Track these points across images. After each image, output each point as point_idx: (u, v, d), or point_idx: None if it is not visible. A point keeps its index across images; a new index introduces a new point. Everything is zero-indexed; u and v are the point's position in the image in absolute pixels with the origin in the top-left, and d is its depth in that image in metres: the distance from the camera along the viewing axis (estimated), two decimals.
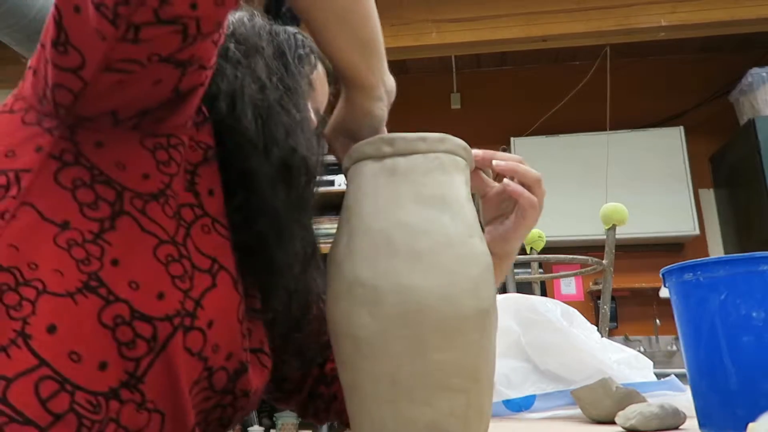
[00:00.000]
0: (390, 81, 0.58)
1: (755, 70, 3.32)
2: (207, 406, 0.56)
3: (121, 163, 0.50)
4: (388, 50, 0.52)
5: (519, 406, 0.81)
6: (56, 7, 0.45)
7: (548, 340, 0.85)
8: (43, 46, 0.49)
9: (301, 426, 3.43)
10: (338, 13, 0.51)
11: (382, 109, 0.57)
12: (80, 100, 0.48)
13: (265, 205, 0.56)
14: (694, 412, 0.62)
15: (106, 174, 0.49)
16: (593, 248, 2.73)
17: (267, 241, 0.56)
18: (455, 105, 3.87)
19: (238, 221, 0.56)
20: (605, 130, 3.52)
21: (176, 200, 0.51)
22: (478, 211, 0.52)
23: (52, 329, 0.46)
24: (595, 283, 3.59)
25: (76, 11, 0.43)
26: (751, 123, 3.25)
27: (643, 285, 3.44)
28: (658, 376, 0.88)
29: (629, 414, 0.64)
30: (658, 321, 3.48)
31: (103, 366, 0.47)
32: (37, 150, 0.49)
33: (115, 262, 0.48)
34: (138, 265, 0.48)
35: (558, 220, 3.40)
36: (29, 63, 0.53)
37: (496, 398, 0.80)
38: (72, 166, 0.49)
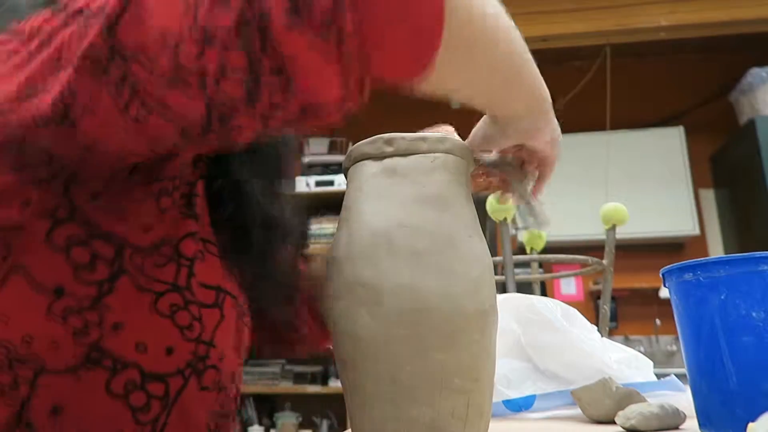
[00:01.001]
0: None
1: (755, 70, 3.32)
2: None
3: (122, 214, 0.45)
4: None
5: (519, 406, 0.81)
6: None
7: (548, 340, 0.85)
8: None
9: (301, 426, 3.43)
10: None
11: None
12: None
13: (257, 211, 0.54)
14: (694, 412, 0.62)
15: (103, 229, 0.44)
16: (593, 248, 2.73)
17: (258, 247, 0.54)
18: (455, 105, 3.86)
19: (226, 233, 0.53)
20: (605, 130, 3.52)
21: (174, 239, 0.47)
22: (478, 211, 0.52)
23: (56, 411, 0.42)
24: (595, 283, 3.59)
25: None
26: (751, 123, 3.25)
27: (643, 285, 3.44)
28: (658, 376, 0.88)
29: (629, 414, 0.64)
30: (658, 321, 3.48)
31: None
32: (25, 204, 0.42)
33: (116, 327, 0.44)
34: (141, 325, 0.45)
35: (558, 220, 3.38)
36: None
37: (496, 398, 0.80)
38: (66, 222, 0.43)
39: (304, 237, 0.65)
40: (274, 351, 0.76)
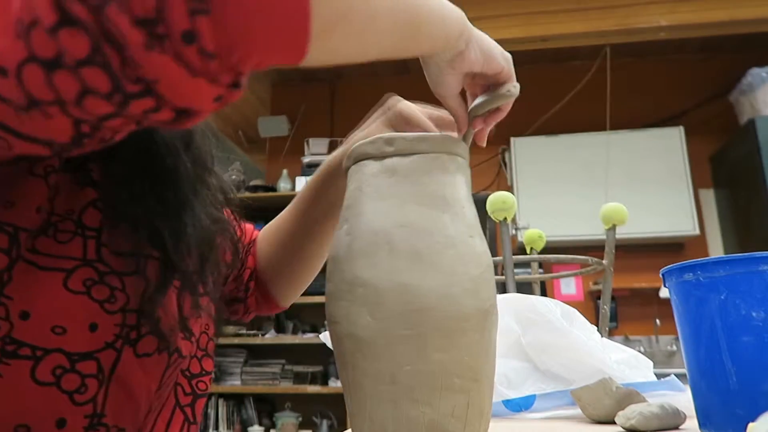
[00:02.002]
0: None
1: (755, 70, 3.32)
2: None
3: (9, 200, 0.43)
4: None
5: (519, 406, 0.81)
6: None
7: (548, 340, 0.85)
8: None
9: (301, 426, 3.44)
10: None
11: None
12: None
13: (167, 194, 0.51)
14: (694, 412, 0.62)
15: None
16: (593, 248, 2.74)
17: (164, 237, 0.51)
18: None
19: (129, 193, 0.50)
20: (605, 130, 3.53)
21: (75, 212, 0.46)
22: (478, 211, 0.52)
23: None
24: (595, 283, 3.59)
25: None
26: (751, 123, 3.26)
27: (643, 285, 3.45)
28: (658, 376, 0.88)
29: (629, 414, 0.64)
30: (658, 321, 3.48)
31: (61, 423, 0.44)
32: None
33: (25, 315, 0.43)
34: (54, 307, 0.44)
35: (558, 220, 3.40)
36: None
37: (496, 398, 0.80)
38: None
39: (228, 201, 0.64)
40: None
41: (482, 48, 0.52)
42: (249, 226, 0.78)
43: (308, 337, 3.42)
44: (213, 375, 0.61)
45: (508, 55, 0.55)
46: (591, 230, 3.08)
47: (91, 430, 0.46)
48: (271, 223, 0.77)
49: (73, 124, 0.33)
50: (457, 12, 0.49)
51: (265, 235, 0.77)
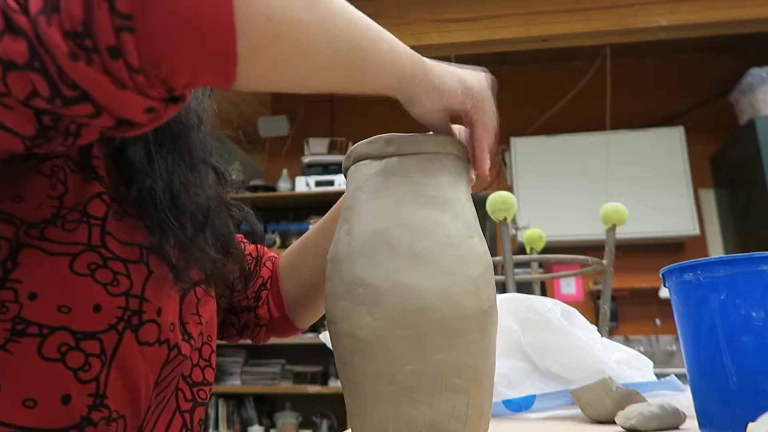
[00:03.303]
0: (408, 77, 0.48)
1: (755, 70, 3.32)
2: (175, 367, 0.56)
3: (18, 195, 0.46)
4: None
5: (519, 406, 0.81)
6: None
7: (548, 340, 0.85)
8: None
9: (301, 426, 3.44)
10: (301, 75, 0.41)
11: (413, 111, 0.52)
12: None
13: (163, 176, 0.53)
14: (694, 412, 0.62)
15: (4, 212, 0.46)
16: (593, 248, 2.73)
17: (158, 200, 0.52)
18: None
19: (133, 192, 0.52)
20: (605, 130, 3.53)
21: (80, 204, 0.48)
22: (478, 211, 0.52)
23: None
24: (595, 283, 3.59)
25: None
26: (751, 123, 3.26)
27: (643, 285, 3.45)
28: (658, 376, 0.88)
29: (629, 414, 0.64)
30: (658, 321, 3.48)
31: (66, 399, 0.46)
32: None
33: (33, 296, 0.46)
34: (60, 288, 0.46)
35: (558, 220, 3.40)
36: None
37: (496, 398, 0.80)
38: None
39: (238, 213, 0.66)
40: (230, 333, 0.78)
41: (436, 86, 0.50)
42: (266, 250, 0.79)
43: (308, 337, 3.42)
44: (212, 386, 0.62)
45: (474, 83, 0.52)
46: (591, 230, 3.08)
47: (94, 410, 0.47)
48: (300, 239, 0.78)
49: (35, 115, 0.35)
50: (409, 52, 0.48)
51: (293, 250, 0.78)
